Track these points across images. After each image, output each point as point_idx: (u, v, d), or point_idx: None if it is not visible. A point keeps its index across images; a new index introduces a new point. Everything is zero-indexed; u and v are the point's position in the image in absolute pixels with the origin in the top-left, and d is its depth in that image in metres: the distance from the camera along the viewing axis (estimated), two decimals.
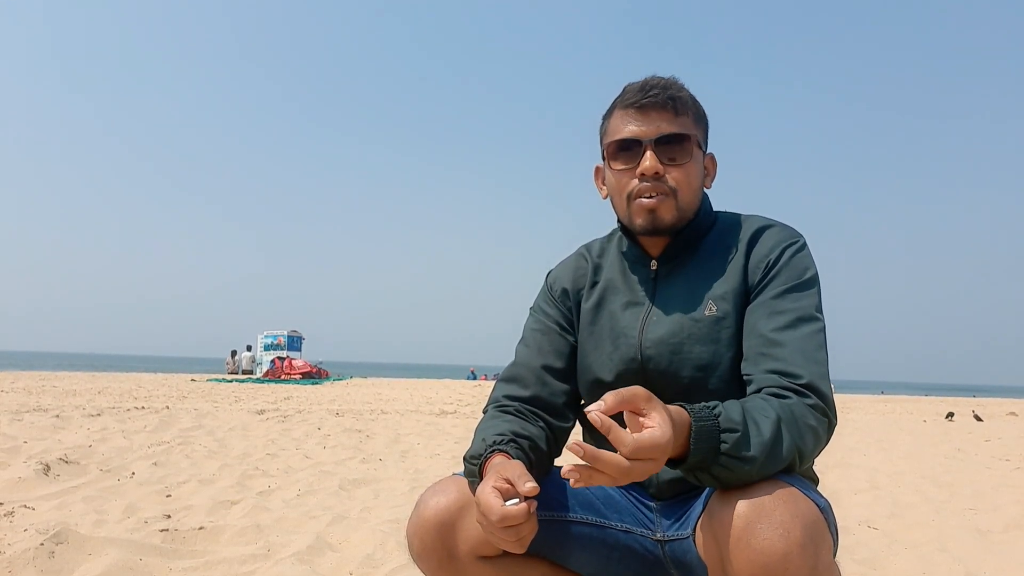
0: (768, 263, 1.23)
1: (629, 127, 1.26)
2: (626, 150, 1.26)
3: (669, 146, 1.24)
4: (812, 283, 1.22)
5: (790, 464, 1.04)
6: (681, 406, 1.00)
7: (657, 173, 1.23)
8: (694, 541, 1.11)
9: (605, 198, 1.36)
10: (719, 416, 1.00)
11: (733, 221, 1.33)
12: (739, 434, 0.99)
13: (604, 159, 1.32)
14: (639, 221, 1.26)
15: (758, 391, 1.13)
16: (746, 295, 1.24)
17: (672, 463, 1.00)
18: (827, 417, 1.10)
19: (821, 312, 1.20)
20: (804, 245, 1.26)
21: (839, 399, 19.16)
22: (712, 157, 1.35)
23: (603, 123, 1.34)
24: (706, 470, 0.99)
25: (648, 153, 1.23)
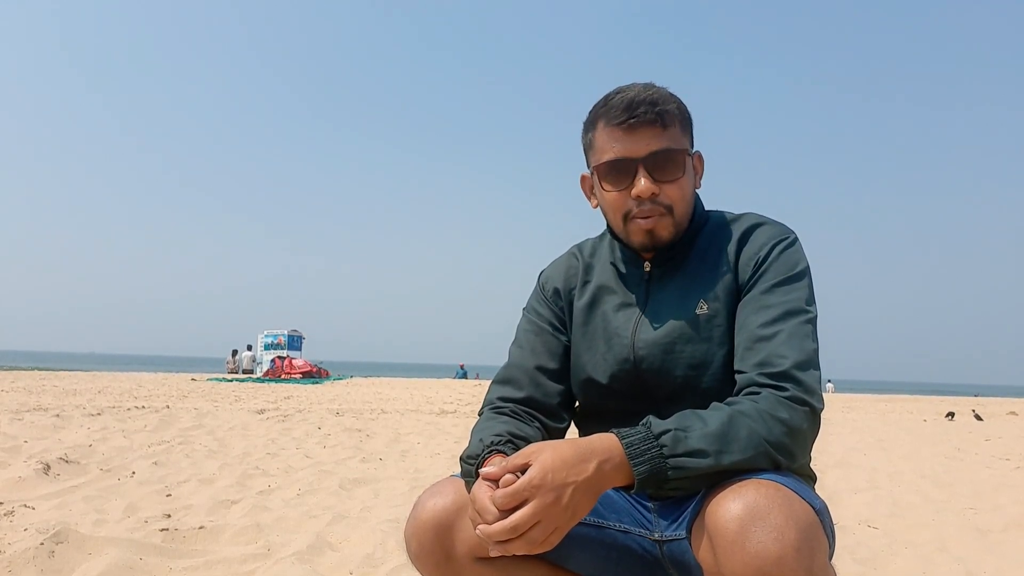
0: (758, 260, 1.24)
1: (617, 147, 1.23)
2: (617, 171, 1.24)
3: (661, 163, 1.22)
4: (802, 276, 1.22)
5: (775, 460, 1.04)
6: (611, 431, 1.04)
7: (653, 194, 1.22)
8: (689, 543, 1.11)
9: (595, 208, 1.35)
10: (649, 426, 1.03)
11: (724, 220, 1.33)
12: (675, 431, 1.02)
13: (593, 175, 1.30)
14: (638, 241, 1.27)
15: (741, 389, 1.14)
16: (737, 293, 1.25)
17: (634, 489, 1.02)
18: (806, 406, 1.09)
19: (812, 304, 1.20)
20: (795, 241, 1.26)
21: (839, 399, 19.14)
22: (699, 155, 1.33)
23: (586, 134, 1.31)
24: (665, 479, 1.00)
25: (641, 174, 1.22)
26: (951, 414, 12.17)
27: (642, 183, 1.21)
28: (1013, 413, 13.87)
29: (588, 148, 1.31)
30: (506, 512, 0.99)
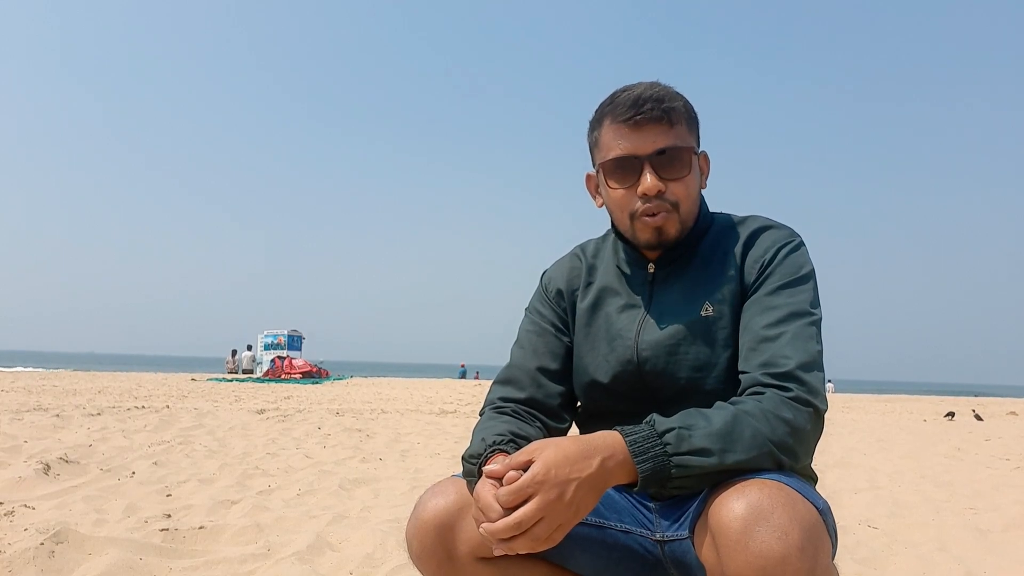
0: (763, 263, 1.24)
1: (623, 144, 1.23)
2: (623, 168, 1.23)
3: (667, 160, 1.22)
4: (807, 279, 1.22)
5: (779, 461, 1.04)
6: (615, 429, 1.04)
7: (659, 191, 1.22)
8: (692, 542, 1.11)
9: (600, 207, 1.35)
10: (653, 424, 1.03)
11: (729, 223, 1.32)
12: (679, 429, 1.02)
13: (599, 173, 1.30)
14: (644, 239, 1.26)
15: (745, 389, 1.14)
16: (742, 295, 1.25)
17: (637, 487, 1.02)
18: (810, 406, 1.10)
19: (816, 306, 1.21)
20: (800, 244, 1.26)
21: (839, 399, 19.14)
22: (705, 155, 1.33)
23: (592, 132, 1.31)
24: (668, 477, 1.00)
25: (647, 172, 1.21)
26: (951, 414, 12.17)
27: (648, 180, 1.21)
28: (1013, 413, 13.87)
29: (594, 146, 1.31)
30: (510, 509, 0.99)
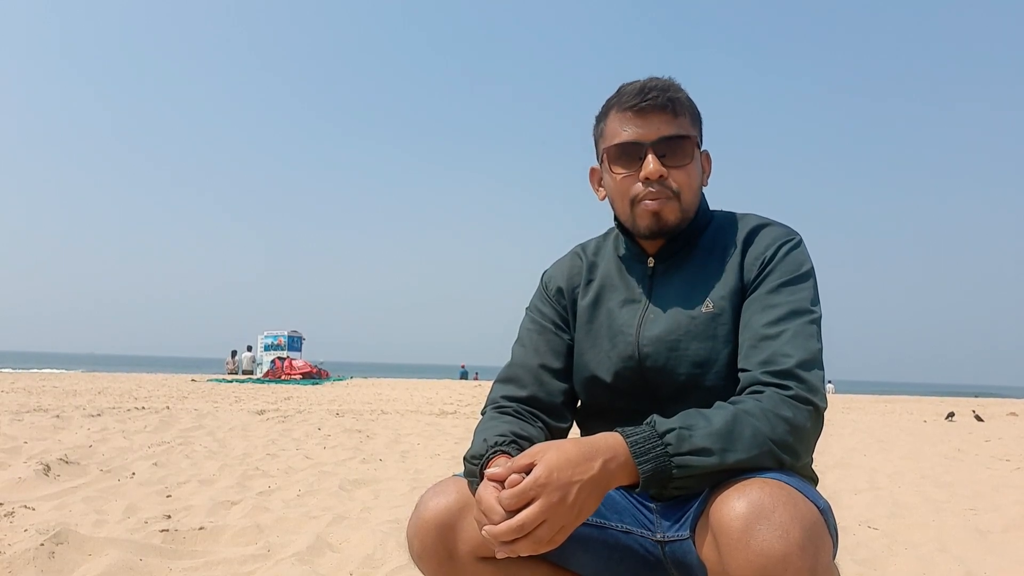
0: (764, 260, 1.25)
1: (628, 130, 1.25)
2: (627, 154, 1.25)
3: (670, 148, 1.24)
4: (807, 277, 1.23)
5: (780, 459, 1.05)
6: (616, 430, 1.04)
7: (661, 176, 1.23)
8: (693, 541, 1.11)
9: (603, 200, 1.36)
10: (654, 424, 1.04)
11: (729, 220, 1.33)
12: (680, 430, 1.02)
13: (602, 162, 1.32)
14: (644, 224, 1.27)
15: (745, 388, 1.15)
16: (742, 292, 1.26)
17: (638, 488, 1.02)
18: (810, 405, 1.10)
19: (816, 304, 1.22)
20: (800, 242, 1.27)
21: (839, 400, 19.14)
22: (707, 154, 1.35)
23: (598, 125, 1.33)
24: (669, 478, 1.01)
25: (650, 156, 1.23)
26: (951, 415, 12.17)
27: (651, 165, 1.23)
28: (1013, 414, 13.86)
29: (599, 137, 1.33)
30: (512, 512, 0.99)
